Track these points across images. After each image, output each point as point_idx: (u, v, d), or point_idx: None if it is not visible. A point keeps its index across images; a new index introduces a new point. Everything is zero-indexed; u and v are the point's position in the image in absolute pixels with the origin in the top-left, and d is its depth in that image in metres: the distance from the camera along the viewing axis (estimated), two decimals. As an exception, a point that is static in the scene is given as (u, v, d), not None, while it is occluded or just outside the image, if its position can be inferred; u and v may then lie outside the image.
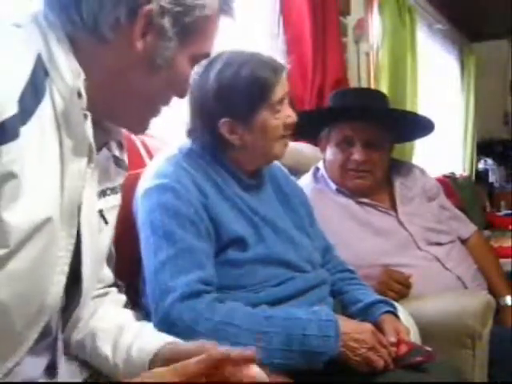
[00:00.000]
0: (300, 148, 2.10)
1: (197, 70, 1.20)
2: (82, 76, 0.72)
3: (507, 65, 5.38)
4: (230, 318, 1.06)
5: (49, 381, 0.82)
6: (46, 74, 0.70)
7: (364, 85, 3.09)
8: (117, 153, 0.89)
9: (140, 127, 0.85)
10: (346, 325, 1.10)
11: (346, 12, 3.02)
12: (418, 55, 3.64)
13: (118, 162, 0.90)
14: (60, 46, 0.72)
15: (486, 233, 3.08)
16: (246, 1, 2.36)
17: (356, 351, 1.08)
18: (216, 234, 1.15)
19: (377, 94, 2.09)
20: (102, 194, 0.85)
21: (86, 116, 0.72)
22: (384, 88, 3.06)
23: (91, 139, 0.73)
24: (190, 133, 1.25)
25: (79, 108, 0.71)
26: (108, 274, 0.97)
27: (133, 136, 1.48)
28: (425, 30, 4.24)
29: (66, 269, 0.74)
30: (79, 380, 0.89)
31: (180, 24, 0.75)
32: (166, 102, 0.83)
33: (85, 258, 0.78)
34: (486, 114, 5.10)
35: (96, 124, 0.76)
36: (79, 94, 0.71)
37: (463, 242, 1.88)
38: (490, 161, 5.17)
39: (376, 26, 3.21)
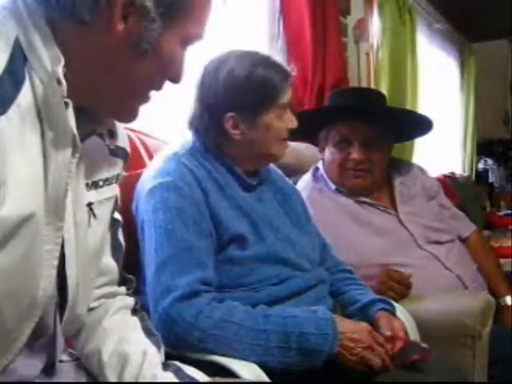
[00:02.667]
0: (300, 148, 2.10)
1: (208, 65, 1.23)
2: (62, 61, 0.68)
3: (507, 65, 5.38)
4: (230, 316, 1.06)
5: (47, 381, 0.81)
6: (25, 60, 0.67)
7: (364, 85, 3.08)
8: (107, 141, 0.84)
9: (128, 116, 0.80)
10: (343, 324, 1.11)
11: (346, 12, 3.02)
12: (418, 55, 3.64)
13: (113, 150, 0.85)
14: (38, 31, 0.68)
15: (486, 233, 3.07)
16: (246, 1, 2.36)
17: (352, 351, 1.08)
18: (217, 232, 1.16)
19: (374, 93, 2.09)
20: (94, 185, 0.81)
21: (67, 104, 0.68)
22: (384, 88, 3.06)
23: (74, 128, 0.69)
24: (195, 126, 1.25)
25: (59, 96, 0.67)
26: (112, 267, 0.94)
27: (133, 136, 1.48)
28: (425, 30, 4.24)
29: (56, 262, 0.72)
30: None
31: (164, 4, 0.71)
32: (157, 87, 0.78)
33: (68, 253, 0.75)
34: (486, 113, 5.10)
35: (81, 112, 0.73)
36: (58, 81, 0.67)
37: (463, 241, 1.87)
38: (490, 161, 5.16)
39: (376, 26, 3.21)
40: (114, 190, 0.88)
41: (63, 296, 0.78)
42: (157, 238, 1.12)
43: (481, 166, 5.18)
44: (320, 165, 1.86)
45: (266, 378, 1.01)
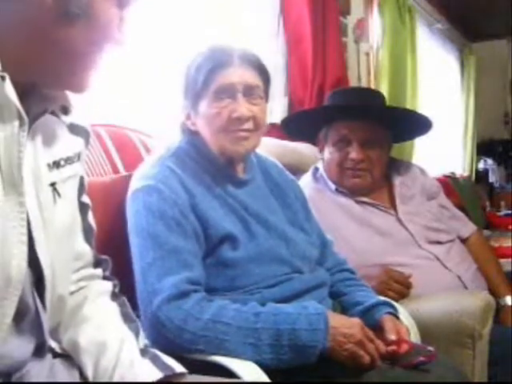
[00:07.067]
0: (300, 148, 2.10)
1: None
2: None
3: (507, 65, 5.39)
4: (220, 316, 1.05)
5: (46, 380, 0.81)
6: None
7: (364, 85, 3.09)
8: (62, 118, 0.84)
9: (78, 84, 0.78)
10: (335, 319, 1.10)
11: (345, 12, 3.02)
12: (418, 55, 3.64)
13: (72, 128, 0.86)
14: None
15: (486, 233, 3.08)
16: (245, 1, 2.36)
17: (344, 346, 1.07)
18: (205, 233, 1.15)
19: (372, 93, 2.09)
20: (56, 165, 0.81)
21: (3, 78, 0.67)
22: (384, 88, 3.06)
23: (16, 101, 0.68)
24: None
25: None
26: (86, 251, 0.95)
27: (133, 136, 1.49)
28: (425, 30, 4.24)
29: (25, 239, 0.72)
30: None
31: None
32: (101, 52, 0.76)
33: (36, 234, 0.75)
34: (486, 113, 5.11)
35: (32, 92, 0.73)
36: None
37: (463, 241, 1.88)
38: (489, 161, 5.17)
39: (376, 25, 3.22)
40: (77, 169, 0.88)
41: (40, 278, 0.77)
42: (140, 241, 1.11)
43: (481, 166, 5.19)
44: (320, 165, 1.86)
45: (266, 378, 1.01)
